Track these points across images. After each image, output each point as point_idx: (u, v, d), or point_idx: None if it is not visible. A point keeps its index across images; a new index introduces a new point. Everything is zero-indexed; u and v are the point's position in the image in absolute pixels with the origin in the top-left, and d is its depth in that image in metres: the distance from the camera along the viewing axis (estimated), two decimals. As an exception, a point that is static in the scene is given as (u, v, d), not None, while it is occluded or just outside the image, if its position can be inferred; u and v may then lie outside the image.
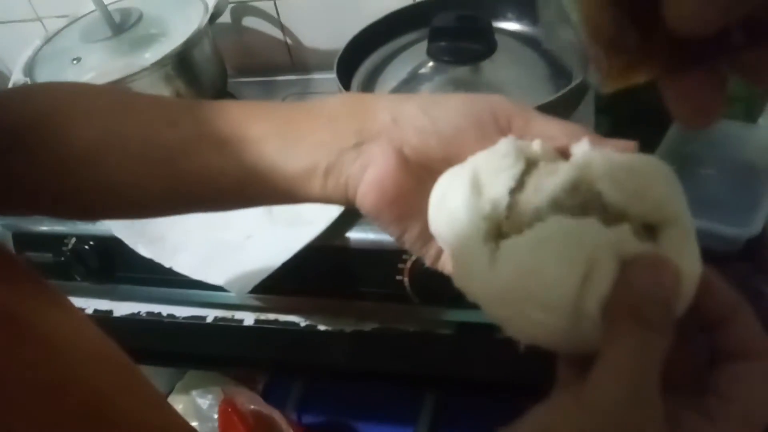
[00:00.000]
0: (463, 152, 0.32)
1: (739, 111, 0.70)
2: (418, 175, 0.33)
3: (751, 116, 0.68)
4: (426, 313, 0.61)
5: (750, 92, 0.69)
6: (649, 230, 0.26)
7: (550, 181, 0.27)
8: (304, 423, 0.94)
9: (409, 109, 0.33)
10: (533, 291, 0.25)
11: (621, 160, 0.27)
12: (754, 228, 0.51)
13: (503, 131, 0.31)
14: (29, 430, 0.26)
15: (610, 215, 0.26)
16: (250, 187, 0.35)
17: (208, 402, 0.90)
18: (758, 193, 0.56)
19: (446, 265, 0.34)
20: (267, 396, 0.95)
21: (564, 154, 0.31)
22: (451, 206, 0.29)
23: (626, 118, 0.69)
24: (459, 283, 0.29)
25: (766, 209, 0.53)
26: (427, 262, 0.35)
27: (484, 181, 0.28)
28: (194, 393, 0.91)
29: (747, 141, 0.62)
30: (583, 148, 0.29)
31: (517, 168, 0.28)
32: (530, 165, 0.29)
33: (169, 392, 0.97)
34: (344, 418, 0.95)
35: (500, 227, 0.27)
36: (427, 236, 0.33)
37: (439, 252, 0.34)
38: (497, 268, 0.26)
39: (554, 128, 0.32)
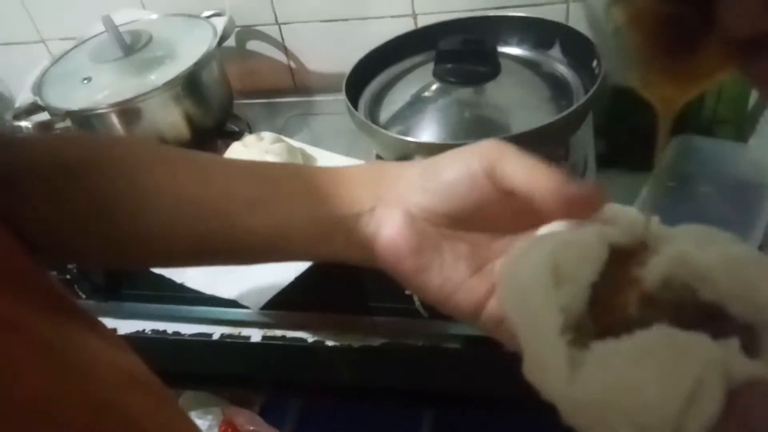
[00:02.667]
0: (458, 203, 0.33)
1: (730, 132, 0.73)
2: (423, 231, 0.34)
3: (741, 137, 0.71)
4: (434, 327, 0.62)
5: (738, 115, 0.72)
6: (749, 332, 0.24)
7: (641, 276, 0.25)
8: (303, 444, 0.94)
9: (413, 171, 0.36)
10: (629, 408, 0.22)
11: (719, 255, 0.25)
12: (753, 243, 0.53)
13: (489, 177, 0.33)
14: None
15: (707, 312, 0.24)
16: (277, 246, 0.37)
17: (207, 423, 0.89)
18: (754, 209, 0.58)
19: (504, 336, 0.34)
20: (264, 416, 0.94)
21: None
22: (525, 291, 0.27)
23: (624, 140, 0.71)
24: (531, 378, 0.26)
25: (763, 224, 0.55)
26: (465, 320, 0.35)
27: (563, 269, 0.26)
28: (193, 414, 0.90)
29: (739, 160, 0.64)
30: (677, 247, 0.26)
31: (601, 259, 0.27)
32: (612, 251, 0.27)
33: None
34: (343, 437, 0.95)
35: (578, 321, 0.26)
36: (448, 290, 0.34)
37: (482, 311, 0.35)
38: (585, 374, 0.24)
39: (521, 175, 0.32)
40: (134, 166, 0.38)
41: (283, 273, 0.58)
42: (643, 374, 0.22)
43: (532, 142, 0.60)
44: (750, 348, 0.23)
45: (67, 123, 0.70)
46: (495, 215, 0.34)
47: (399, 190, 0.35)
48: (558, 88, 0.67)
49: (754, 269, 0.24)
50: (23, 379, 0.25)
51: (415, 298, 0.60)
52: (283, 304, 0.62)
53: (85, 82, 0.73)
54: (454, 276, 0.34)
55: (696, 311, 0.24)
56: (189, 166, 0.38)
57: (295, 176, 0.38)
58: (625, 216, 0.29)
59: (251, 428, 0.88)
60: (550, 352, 0.25)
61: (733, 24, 0.19)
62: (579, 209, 0.30)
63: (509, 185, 0.32)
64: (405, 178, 0.36)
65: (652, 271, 0.25)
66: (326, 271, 0.60)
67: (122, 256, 0.40)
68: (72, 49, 0.80)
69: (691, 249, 0.25)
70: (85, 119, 0.71)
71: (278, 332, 0.68)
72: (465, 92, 0.65)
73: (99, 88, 0.72)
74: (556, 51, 0.71)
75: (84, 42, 0.81)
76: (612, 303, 0.25)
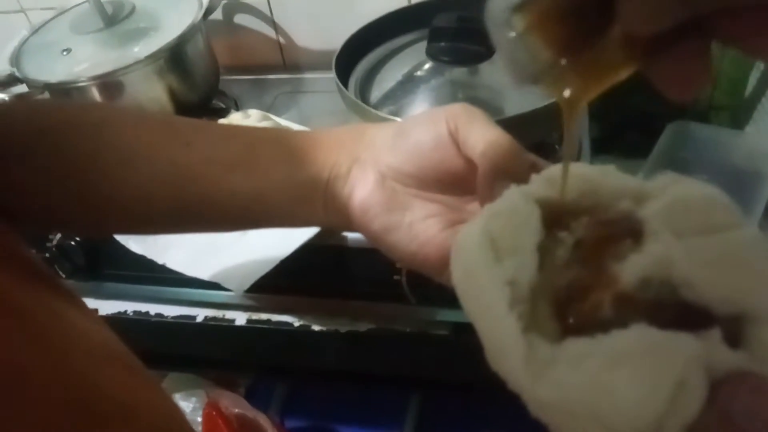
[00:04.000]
0: (423, 164, 0.34)
1: (726, 119, 0.72)
2: (394, 191, 0.35)
3: (737, 124, 0.70)
4: (422, 313, 0.61)
5: (735, 102, 0.71)
6: (732, 322, 0.23)
7: (617, 273, 0.24)
8: (287, 427, 0.93)
9: (385, 131, 0.36)
10: (603, 413, 0.21)
11: (710, 251, 0.23)
12: (749, 231, 0.52)
13: (453, 137, 0.33)
14: (36, 424, 0.25)
15: (688, 307, 0.23)
16: (257, 210, 0.37)
17: (191, 405, 0.88)
18: (749, 197, 0.57)
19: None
20: (249, 399, 0.93)
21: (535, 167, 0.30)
22: (469, 271, 0.25)
23: (618, 124, 0.70)
24: (494, 365, 0.24)
25: (759, 212, 0.54)
26: (431, 274, 0.35)
27: (500, 242, 0.25)
28: (177, 396, 0.89)
29: (735, 147, 0.63)
30: (659, 249, 0.24)
31: (534, 217, 0.25)
32: (558, 208, 0.26)
33: (150, 395, 0.94)
34: (328, 421, 0.94)
35: (537, 293, 0.24)
36: (417, 244, 0.34)
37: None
38: (556, 373, 0.22)
39: (480, 139, 0.32)
40: (111, 128, 0.38)
41: (269, 256, 0.57)
42: (620, 378, 0.21)
43: (526, 125, 0.59)
44: (733, 339, 0.22)
45: (46, 95, 0.68)
46: (465, 177, 0.34)
47: (374, 151, 0.36)
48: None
49: (740, 272, 0.23)
50: (2, 348, 0.25)
51: (403, 284, 0.59)
52: (269, 287, 0.61)
53: (65, 53, 0.70)
54: (423, 232, 0.34)
55: (676, 305, 0.23)
56: (168, 129, 0.38)
57: (276, 140, 0.38)
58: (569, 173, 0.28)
59: (236, 411, 0.87)
60: (502, 328, 0.23)
61: (632, 21, 0.19)
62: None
63: (469, 154, 0.32)
64: (380, 138, 0.36)
65: (631, 270, 0.24)
66: (313, 255, 0.59)
67: (101, 220, 0.40)
68: (51, 19, 0.78)
69: (673, 252, 0.23)
70: (64, 92, 0.69)
71: (263, 316, 0.67)
72: (459, 72, 0.63)
73: (79, 60, 0.70)
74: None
75: (64, 12, 0.78)
76: (585, 300, 0.24)
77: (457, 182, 0.34)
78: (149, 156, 0.37)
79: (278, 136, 0.39)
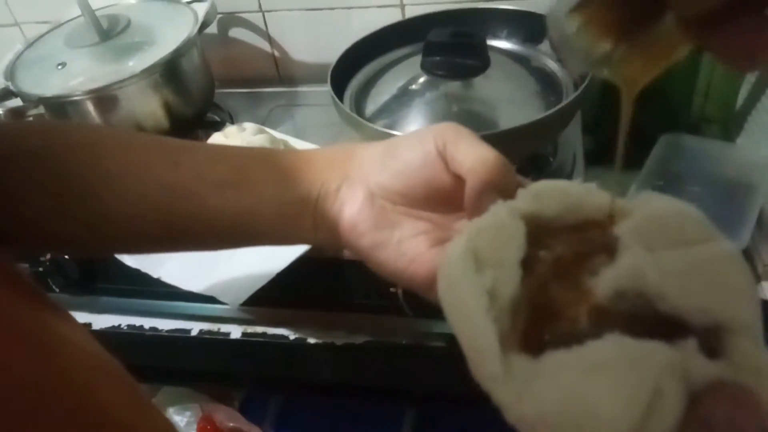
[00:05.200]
0: (411, 182, 0.34)
1: (717, 131, 0.72)
2: (383, 209, 0.35)
3: (729, 136, 0.70)
4: (418, 325, 0.61)
5: (726, 114, 0.72)
6: (709, 333, 0.23)
7: (592, 286, 0.24)
8: (282, 441, 0.92)
9: (374, 150, 0.37)
10: (582, 425, 0.21)
11: (681, 263, 0.23)
12: (742, 241, 0.52)
13: (441, 155, 0.34)
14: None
15: (664, 319, 0.23)
16: (247, 228, 0.37)
17: (185, 419, 0.87)
18: (741, 208, 0.57)
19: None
20: (244, 413, 0.93)
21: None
22: (451, 281, 0.26)
23: (612, 137, 0.71)
24: (476, 374, 0.25)
25: (750, 224, 0.55)
26: (418, 291, 0.35)
27: (482, 254, 0.26)
28: (171, 410, 0.88)
29: (727, 159, 0.64)
30: (630, 260, 0.24)
31: (519, 234, 0.26)
32: (540, 226, 0.27)
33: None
34: (323, 435, 0.93)
35: (516, 312, 0.24)
36: (405, 261, 0.34)
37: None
38: (535, 388, 0.22)
39: (468, 155, 0.33)
40: (99, 149, 0.38)
41: (264, 269, 0.57)
42: (595, 388, 0.21)
43: (520, 138, 0.59)
44: (712, 351, 0.22)
45: (41, 110, 0.68)
46: (453, 195, 0.34)
47: (363, 169, 0.36)
48: (547, 83, 0.66)
49: (713, 284, 0.23)
50: (9, 364, 0.24)
51: (399, 296, 0.59)
52: (264, 300, 0.60)
53: (60, 67, 0.70)
54: (412, 249, 0.34)
55: (652, 318, 0.23)
56: (157, 150, 0.38)
57: (265, 159, 0.38)
58: (552, 188, 0.29)
59: (231, 425, 0.86)
60: (480, 335, 0.23)
61: (681, 4, 0.19)
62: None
63: (457, 170, 0.33)
64: (369, 156, 0.37)
65: (604, 284, 0.24)
66: (309, 268, 0.59)
67: (92, 241, 0.40)
68: (46, 33, 0.78)
69: (645, 264, 0.24)
70: (59, 106, 0.69)
71: (259, 329, 0.66)
72: (453, 86, 0.64)
73: (74, 74, 0.70)
74: (545, 46, 0.70)
75: (59, 26, 0.78)
76: (562, 316, 0.24)
77: (445, 200, 0.35)
78: (139, 176, 0.37)
79: (267, 155, 0.39)
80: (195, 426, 0.86)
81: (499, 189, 0.31)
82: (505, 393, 0.23)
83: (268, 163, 0.38)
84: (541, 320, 0.24)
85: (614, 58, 0.24)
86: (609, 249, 0.26)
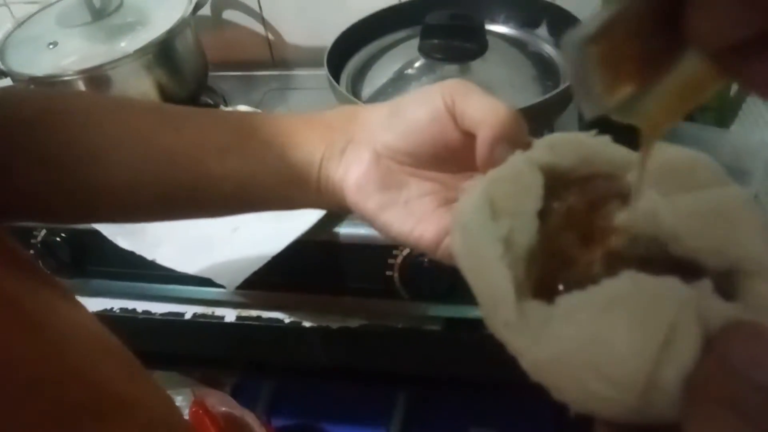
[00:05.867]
0: (418, 141, 0.34)
1: (712, 118, 0.73)
2: (389, 169, 0.35)
3: (723, 122, 0.71)
4: (414, 309, 0.61)
5: (721, 101, 0.72)
6: (724, 277, 0.22)
7: (606, 231, 0.24)
8: (274, 425, 0.92)
9: (379, 111, 0.36)
10: (599, 363, 0.21)
11: (695, 204, 0.23)
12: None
13: (450, 111, 0.33)
14: (33, 419, 0.25)
15: (678, 264, 0.22)
16: (250, 193, 0.37)
17: (178, 404, 0.87)
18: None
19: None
20: (236, 397, 0.93)
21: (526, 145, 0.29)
22: (465, 229, 0.26)
23: (608, 124, 0.71)
24: (488, 322, 0.24)
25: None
26: (426, 252, 0.35)
27: (498, 204, 0.25)
28: (163, 395, 0.88)
29: (721, 146, 0.64)
30: (644, 204, 0.24)
31: (537, 185, 0.26)
32: (555, 178, 0.26)
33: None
34: (315, 419, 0.94)
35: (532, 262, 0.24)
36: (412, 222, 0.34)
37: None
38: (551, 331, 0.22)
39: (479, 109, 0.32)
40: (99, 114, 0.37)
41: (261, 251, 0.56)
42: (611, 325, 0.21)
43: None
44: (727, 293, 0.22)
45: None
46: (462, 154, 0.33)
47: (368, 129, 0.36)
48: (544, 68, 0.65)
49: (727, 224, 0.23)
50: (8, 342, 0.24)
51: (395, 279, 0.59)
52: (259, 283, 0.60)
53: (51, 47, 0.69)
54: (418, 209, 0.34)
55: (666, 263, 0.23)
56: (157, 115, 0.38)
57: (267, 123, 0.38)
58: (567, 139, 0.28)
59: (223, 409, 0.86)
60: (494, 281, 0.23)
61: (712, 33, 0.17)
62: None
63: (467, 125, 0.32)
64: (374, 117, 0.36)
65: (618, 228, 0.24)
66: (304, 251, 0.59)
67: (90, 208, 0.39)
68: (37, 12, 0.76)
69: (658, 206, 0.23)
70: (50, 85, 0.67)
71: (254, 312, 0.66)
72: (450, 69, 0.64)
73: (66, 54, 0.69)
74: (542, 30, 0.70)
75: (50, 5, 0.77)
76: (576, 263, 0.24)
77: (454, 158, 0.34)
78: (138, 140, 0.36)
79: (270, 119, 0.39)
80: (187, 410, 0.86)
81: (512, 141, 0.31)
82: (520, 338, 0.23)
83: (270, 126, 0.37)
84: (555, 269, 0.24)
85: (635, 102, 0.21)
86: (623, 196, 0.25)
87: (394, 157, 0.35)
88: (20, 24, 0.75)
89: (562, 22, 0.67)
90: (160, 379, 0.92)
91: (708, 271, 0.22)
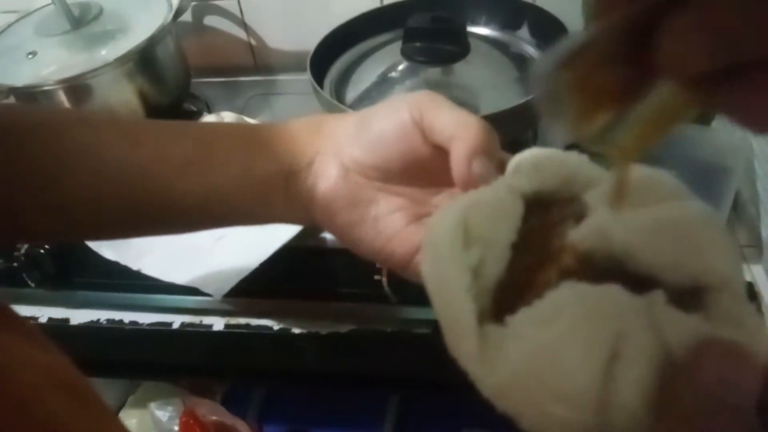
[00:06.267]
0: (387, 155, 0.33)
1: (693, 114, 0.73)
2: (357, 184, 0.34)
3: (704, 120, 0.71)
4: (403, 312, 0.61)
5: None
6: (686, 293, 0.22)
7: (561, 249, 0.24)
8: (266, 432, 0.92)
9: (347, 122, 0.35)
10: (548, 380, 0.20)
11: (649, 220, 0.23)
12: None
13: (418, 126, 0.32)
14: None
15: (636, 282, 0.22)
16: (214, 209, 0.36)
17: (168, 414, 0.86)
18: (716, 191, 0.59)
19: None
20: (226, 406, 0.92)
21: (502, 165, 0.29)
22: (435, 252, 0.25)
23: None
24: (452, 351, 0.24)
25: (727, 206, 0.56)
26: (396, 270, 0.34)
27: (473, 230, 0.24)
28: (153, 405, 0.87)
29: (703, 142, 0.65)
30: (596, 219, 0.24)
31: (516, 215, 0.25)
32: (537, 204, 0.26)
33: (122, 406, 0.92)
34: (307, 425, 0.93)
35: (500, 294, 0.24)
36: (382, 240, 0.33)
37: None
38: (503, 352, 0.21)
39: (449, 122, 0.31)
40: (54, 129, 0.36)
41: (247, 259, 0.56)
42: (556, 337, 0.20)
43: (500, 123, 0.59)
44: (688, 308, 0.21)
45: (11, 100, 0.66)
46: (431, 168, 0.33)
47: (335, 142, 0.34)
48: (527, 69, 0.66)
49: (685, 239, 0.22)
50: None
51: (384, 283, 0.59)
52: (247, 291, 0.60)
53: (30, 57, 0.68)
54: (389, 227, 0.33)
55: (623, 281, 0.21)
56: (114, 128, 0.36)
57: (231, 134, 0.37)
58: (551, 160, 0.28)
59: (213, 418, 0.85)
60: (459, 314, 0.22)
61: (682, 63, 0.17)
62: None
63: (437, 139, 0.31)
64: (341, 128, 0.35)
65: (570, 247, 0.24)
66: (292, 257, 0.59)
67: (57, 228, 0.38)
68: (15, 22, 0.75)
69: (608, 222, 0.23)
70: (30, 96, 0.67)
71: (242, 320, 0.66)
72: (433, 72, 0.64)
73: (45, 64, 0.68)
74: (524, 32, 0.70)
75: (28, 15, 0.76)
76: (532, 283, 0.24)
77: (423, 173, 0.33)
78: (96, 156, 0.35)
79: (233, 129, 0.37)
80: (177, 421, 0.85)
81: (487, 152, 0.30)
82: (479, 367, 0.22)
83: (233, 138, 0.36)
84: (516, 292, 0.24)
85: (607, 130, 0.21)
86: (579, 216, 0.25)
87: (362, 172, 0.34)
88: (-2, 34, 0.74)
89: (543, 23, 0.68)
90: (149, 389, 0.92)
91: (668, 287, 0.21)
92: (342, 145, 0.34)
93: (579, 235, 0.24)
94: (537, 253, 0.25)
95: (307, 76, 0.64)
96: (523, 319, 0.22)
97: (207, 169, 0.35)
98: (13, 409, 0.25)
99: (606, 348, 0.19)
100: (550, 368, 0.20)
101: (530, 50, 0.69)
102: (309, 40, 0.68)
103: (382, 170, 0.33)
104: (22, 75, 0.67)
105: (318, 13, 0.84)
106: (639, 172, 0.25)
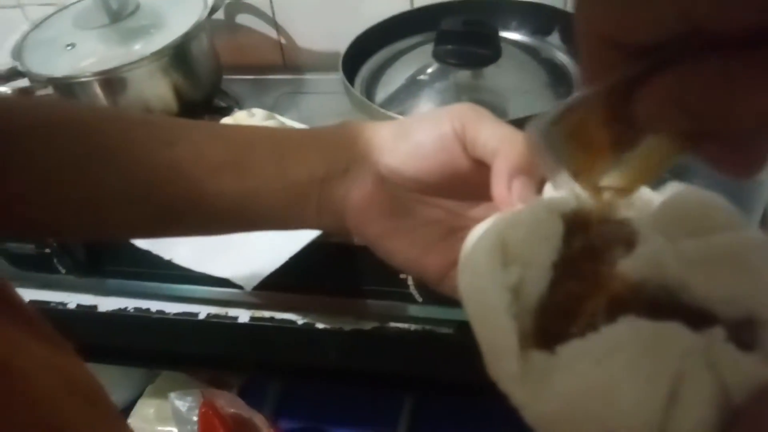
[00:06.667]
0: (425, 167, 0.32)
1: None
2: (394, 195, 0.33)
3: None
4: (427, 311, 0.62)
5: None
6: (743, 327, 0.21)
7: (610, 277, 0.23)
8: (281, 427, 0.93)
9: (385, 130, 0.34)
10: (602, 417, 0.20)
11: (704, 250, 0.22)
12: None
13: (460, 138, 0.32)
14: None
15: (690, 314, 0.21)
16: (246, 212, 0.35)
17: (187, 404, 0.87)
18: (748, 203, 0.58)
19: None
20: (243, 398, 0.93)
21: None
22: (474, 271, 0.25)
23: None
24: (493, 376, 0.23)
25: (756, 218, 0.56)
26: (430, 283, 0.34)
27: (512, 250, 0.24)
28: (172, 395, 0.88)
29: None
30: (651, 247, 0.23)
31: (556, 234, 0.25)
32: (569, 220, 0.26)
33: (139, 395, 0.94)
34: (321, 421, 0.94)
35: (543, 315, 0.23)
36: (416, 253, 0.33)
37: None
38: (552, 383, 0.21)
39: (493, 137, 0.31)
40: (87, 126, 0.35)
41: (277, 252, 0.57)
42: (612, 374, 0.20)
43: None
44: (746, 344, 0.20)
45: (49, 90, 0.67)
46: (470, 181, 0.32)
47: (373, 150, 0.34)
48: (557, 75, 0.66)
49: (740, 271, 0.21)
50: None
51: (410, 282, 0.60)
52: (274, 284, 0.60)
53: (69, 48, 0.70)
54: (423, 239, 0.33)
55: (676, 312, 0.21)
56: (148, 127, 0.36)
57: (266, 139, 0.36)
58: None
59: (232, 410, 0.86)
60: (499, 334, 0.22)
61: (658, 124, 0.19)
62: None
63: (479, 153, 0.31)
64: (378, 138, 0.34)
65: (622, 275, 0.23)
66: (319, 252, 0.59)
67: (85, 225, 0.38)
68: (53, 14, 0.77)
69: (665, 251, 0.23)
70: (67, 87, 0.68)
71: (267, 313, 0.67)
72: (463, 75, 0.64)
73: (83, 56, 0.69)
74: (554, 38, 0.71)
75: (66, 8, 0.78)
76: (581, 311, 0.23)
77: (461, 186, 0.33)
78: (131, 155, 0.35)
79: (269, 133, 0.37)
80: (197, 411, 0.86)
81: (528, 171, 0.30)
82: (523, 392, 0.22)
83: (269, 142, 0.36)
84: (560, 317, 0.23)
85: (602, 173, 0.23)
86: (628, 242, 0.25)
87: (398, 182, 0.33)
88: (37, 25, 0.75)
89: (573, 29, 0.68)
90: (167, 379, 0.93)
91: (722, 321, 0.21)
92: (378, 155, 0.34)
93: (632, 265, 0.23)
94: (583, 279, 0.24)
95: (334, 76, 0.65)
96: (575, 351, 0.21)
97: (241, 172, 0.34)
98: (34, 415, 0.25)
99: (665, 388, 0.19)
100: (605, 405, 0.20)
101: (560, 56, 0.69)
102: (338, 41, 0.69)
103: (420, 181, 0.33)
104: (61, 65, 0.68)
105: (347, 14, 0.84)
106: (693, 195, 0.24)
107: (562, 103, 0.21)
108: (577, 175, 0.22)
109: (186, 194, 0.35)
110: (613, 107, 0.20)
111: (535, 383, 0.21)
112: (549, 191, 0.29)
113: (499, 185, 0.30)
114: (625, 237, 0.25)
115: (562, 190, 0.27)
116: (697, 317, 0.21)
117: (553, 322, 0.23)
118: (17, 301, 0.29)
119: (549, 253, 0.24)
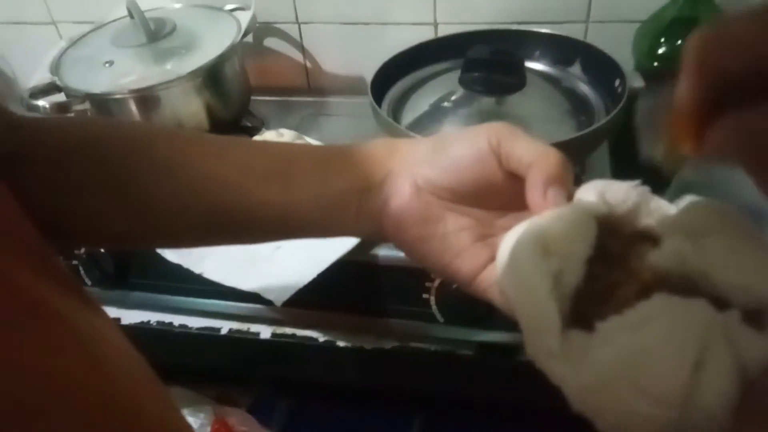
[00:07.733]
0: (461, 178, 0.35)
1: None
2: (429, 203, 0.36)
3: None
4: (449, 332, 0.62)
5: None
6: (754, 315, 0.24)
7: (639, 269, 0.27)
8: (290, 446, 0.92)
9: (421, 146, 0.37)
10: (638, 378, 0.22)
11: (722, 246, 0.25)
12: None
13: (495, 152, 0.34)
14: None
15: (710, 300, 0.24)
16: (291, 221, 0.38)
17: (199, 421, 0.87)
18: (765, 234, 0.59)
19: (492, 298, 0.35)
20: (252, 416, 0.93)
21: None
22: (516, 263, 0.28)
23: (639, 162, 0.73)
24: (531, 352, 0.26)
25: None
26: (461, 285, 0.36)
27: (552, 244, 0.27)
28: (185, 411, 0.88)
29: (750, 186, 0.66)
30: (674, 243, 0.27)
31: (591, 233, 0.28)
32: (610, 228, 0.29)
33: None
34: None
35: (577, 305, 0.26)
36: (449, 256, 0.35)
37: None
38: (591, 356, 0.24)
39: (528, 151, 0.33)
40: (142, 142, 0.38)
41: (305, 269, 0.58)
42: (645, 342, 0.23)
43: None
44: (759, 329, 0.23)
45: (86, 106, 0.69)
46: (501, 193, 0.35)
47: (409, 163, 0.37)
48: (579, 105, 0.68)
49: (754, 263, 0.24)
50: (32, 353, 0.23)
51: (432, 302, 0.60)
52: (296, 301, 0.61)
53: (107, 65, 0.72)
54: (456, 244, 0.35)
55: (697, 296, 0.24)
56: (200, 143, 0.39)
57: (310, 153, 0.39)
58: (617, 190, 0.31)
59: (244, 429, 0.86)
60: (543, 312, 0.25)
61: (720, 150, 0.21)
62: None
63: (514, 166, 0.33)
64: (415, 151, 0.37)
65: (650, 267, 0.26)
66: (343, 271, 0.60)
67: (134, 235, 0.40)
68: (90, 31, 0.80)
69: (687, 246, 0.26)
70: (104, 103, 0.70)
71: (288, 330, 0.67)
72: (488, 102, 0.66)
73: (121, 73, 0.71)
74: (576, 68, 0.73)
75: (103, 26, 0.80)
76: (612, 297, 0.26)
77: (492, 196, 0.36)
78: (183, 167, 0.37)
79: (310, 150, 0.40)
80: (209, 428, 0.86)
81: (562, 182, 0.32)
82: (563, 367, 0.25)
83: (311, 156, 0.39)
84: (596, 302, 0.26)
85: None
86: (654, 240, 0.28)
87: (434, 192, 0.36)
88: (74, 42, 0.78)
89: (594, 60, 0.70)
90: (179, 395, 0.93)
91: (737, 308, 0.24)
92: (415, 166, 0.36)
93: (659, 257, 0.27)
94: (616, 270, 0.27)
95: (357, 99, 0.67)
96: (613, 326, 0.24)
97: (287, 183, 0.37)
98: (108, 391, 0.26)
99: (693, 354, 0.22)
100: (640, 368, 0.22)
101: (582, 86, 0.71)
102: (361, 66, 0.71)
103: (455, 192, 0.35)
104: (99, 82, 0.70)
105: (372, 42, 0.87)
106: (707, 204, 0.28)
107: (665, 91, 0.23)
108: (667, 154, 0.24)
109: (233, 203, 0.37)
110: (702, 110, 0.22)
111: (574, 358, 0.24)
112: (579, 199, 0.32)
113: (535, 194, 0.32)
114: (651, 237, 0.28)
115: (592, 198, 0.30)
116: (715, 304, 0.24)
117: (589, 306, 0.26)
118: (81, 285, 0.30)
119: (585, 248, 0.27)
